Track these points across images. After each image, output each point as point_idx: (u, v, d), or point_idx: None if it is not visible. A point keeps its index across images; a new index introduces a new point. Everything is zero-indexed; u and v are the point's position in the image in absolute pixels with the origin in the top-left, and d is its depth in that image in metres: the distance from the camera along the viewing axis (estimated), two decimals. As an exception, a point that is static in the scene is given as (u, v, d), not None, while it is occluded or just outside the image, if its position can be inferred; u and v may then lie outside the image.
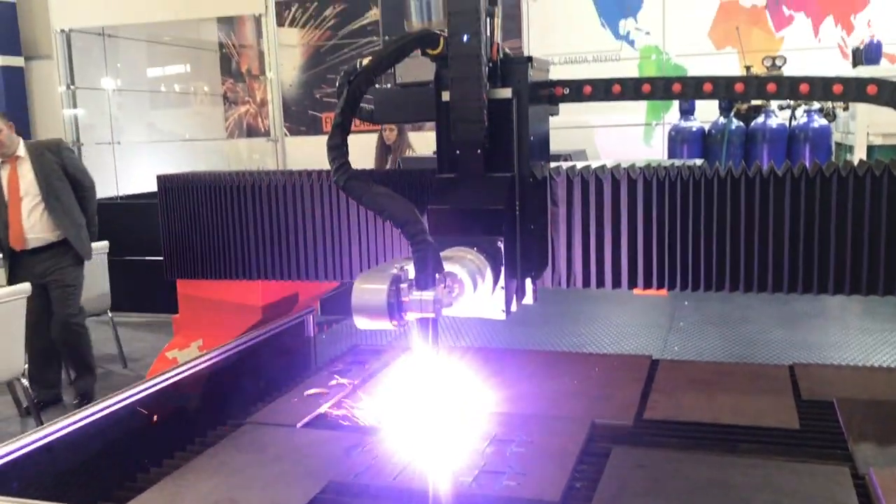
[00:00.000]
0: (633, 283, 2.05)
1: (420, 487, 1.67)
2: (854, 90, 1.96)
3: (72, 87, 8.87)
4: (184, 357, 2.65)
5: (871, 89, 1.93)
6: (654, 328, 3.43)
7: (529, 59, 1.95)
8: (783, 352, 2.92)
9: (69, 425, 1.87)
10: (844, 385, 2.25)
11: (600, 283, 2.07)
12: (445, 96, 1.91)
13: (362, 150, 9.01)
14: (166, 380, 2.17)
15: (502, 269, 1.87)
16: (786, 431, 1.96)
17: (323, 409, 2.17)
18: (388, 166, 7.36)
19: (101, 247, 6.15)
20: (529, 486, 1.67)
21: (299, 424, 2.07)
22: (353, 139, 1.80)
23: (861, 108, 6.20)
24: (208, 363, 2.33)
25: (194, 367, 2.28)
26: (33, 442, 1.78)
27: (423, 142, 7.57)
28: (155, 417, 2.09)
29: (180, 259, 2.61)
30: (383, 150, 7.61)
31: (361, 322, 1.59)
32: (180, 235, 2.59)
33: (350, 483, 1.71)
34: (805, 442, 1.91)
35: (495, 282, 1.87)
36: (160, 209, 2.62)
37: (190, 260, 2.59)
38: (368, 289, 1.56)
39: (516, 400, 2.19)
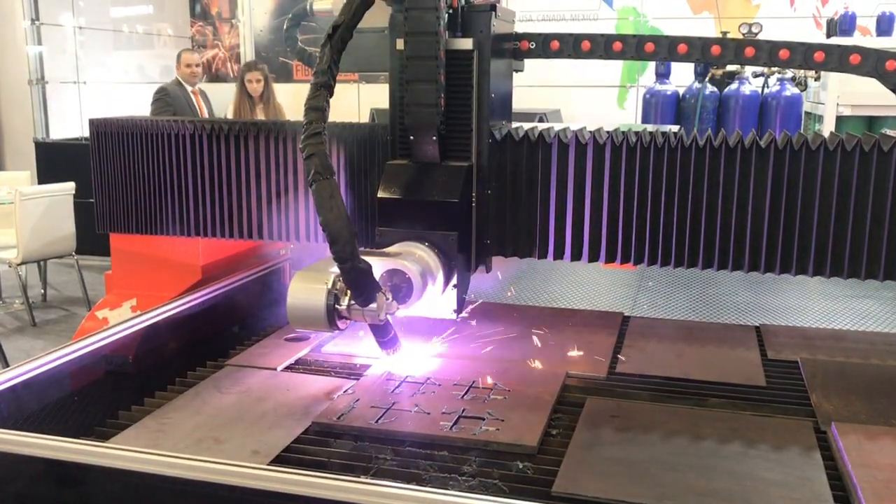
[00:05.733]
0: (594, 257, 1.95)
1: (402, 430, 1.71)
2: (836, 59, 1.90)
3: (36, 22, 8.56)
4: (115, 317, 2.46)
5: (854, 58, 1.88)
6: (623, 287, 3.50)
7: (493, 7, 1.81)
8: (749, 314, 3.01)
9: (49, 362, 1.87)
10: (808, 346, 2.34)
11: (559, 255, 1.97)
12: (400, 44, 1.79)
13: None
14: (144, 321, 2.17)
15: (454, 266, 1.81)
16: (753, 388, 2.03)
17: (303, 353, 2.20)
18: (259, 117, 6.96)
19: (67, 188, 6.04)
20: (508, 431, 1.72)
21: (280, 368, 2.10)
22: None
23: (833, 79, 6.27)
24: (186, 306, 2.33)
25: (173, 309, 2.27)
26: (15, 377, 1.78)
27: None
28: (132, 357, 2.09)
29: (113, 211, 2.42)
30: (247, 101, 7.16)
31: (297, 325, 1.66)
32: (113, 185, 2.40)
33: (333, 424, 1.74)
34: (771, 398, 1.98)
35: (447, 280, 1.79)
36: (91, 155, 2.42)
37: (123, 212, 2.40)
38: (306, 293, 1.60)
39: (493, 350, 2.23)
